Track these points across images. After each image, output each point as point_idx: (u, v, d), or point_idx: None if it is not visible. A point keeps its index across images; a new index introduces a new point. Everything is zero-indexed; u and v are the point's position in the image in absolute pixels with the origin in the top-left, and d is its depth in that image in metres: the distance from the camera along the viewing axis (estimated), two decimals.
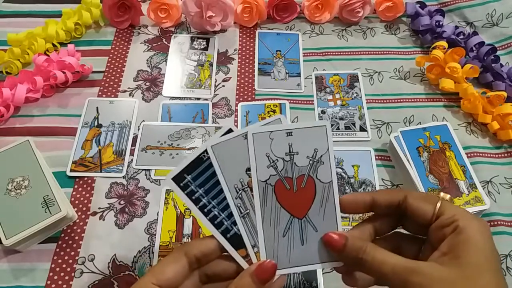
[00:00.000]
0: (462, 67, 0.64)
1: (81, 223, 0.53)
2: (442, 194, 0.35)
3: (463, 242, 0.30)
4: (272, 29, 0.74)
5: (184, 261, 0.33)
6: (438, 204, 0.33)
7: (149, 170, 0.57)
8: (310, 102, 0.65)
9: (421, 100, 0.65)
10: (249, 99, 0.65)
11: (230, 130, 0.35)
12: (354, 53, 0.71)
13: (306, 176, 0.35)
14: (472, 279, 0.29)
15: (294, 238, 0.35)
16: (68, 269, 0.50)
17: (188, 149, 0.59)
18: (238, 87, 0.66)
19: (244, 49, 0.71)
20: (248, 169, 0.35)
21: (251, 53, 0.71)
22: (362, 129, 0.62)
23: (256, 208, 0.35)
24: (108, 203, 0.55)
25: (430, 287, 0.29)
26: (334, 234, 0.34)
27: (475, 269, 0.29)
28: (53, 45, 0.69)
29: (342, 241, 0.33)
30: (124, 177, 0.57)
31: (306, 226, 0.35)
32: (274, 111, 0.63)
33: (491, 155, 0.59)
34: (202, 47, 0.71)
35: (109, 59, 0.69)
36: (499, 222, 0.53)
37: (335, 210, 0.35)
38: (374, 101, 0.65)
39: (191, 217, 0.54)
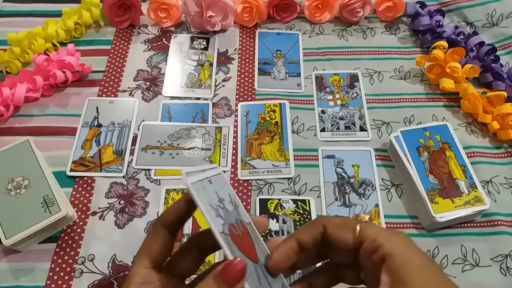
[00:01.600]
0: (462, 67, 0.64)
1: (81, 223, 0.53)
2: (360, 215, 0.33)
3: (401, 267, 0.29)
4: (272, 29, 0.74)
5: (164, 232, 0.33)
6: (358, 228, 0.31)
7: (149, 170, 0.57)
8: (310, 102, 0.65)
9: (421, 100, 0.65)
10: (249, 99, 0.65)
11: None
12: (354, 53, 0.71)
13: (239, 220, 0.32)
14: None
15: (264, 284, 0.31)
16: (68, 269, 0.50)
17: (188, 149, 0.59)
18: (238, 87, 0.66)
19: (244, 49, 0.71)
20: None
21: (251, 53, 0.71)
22: (362, 129, 0.62)
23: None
24: (108, 203, 0.55)
25: None
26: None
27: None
28: (53, 44, 0.69)
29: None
30: (124, 177, 0.57)
31: (263, 269, 0.32)
32: (274, 111, 0.63)
33: (491, 155, 0.59)
34: (202, 47, 0.71)
35: (109, 59, 0.69)
36: (499, 222, 0.53)
37: (266, 249, 0.34)
38: (374, 101, 0.65)
39: (191, 217, 0.54)
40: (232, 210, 0.32)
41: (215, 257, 0.51)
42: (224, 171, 0.58)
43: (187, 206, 0.33)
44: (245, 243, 0.31)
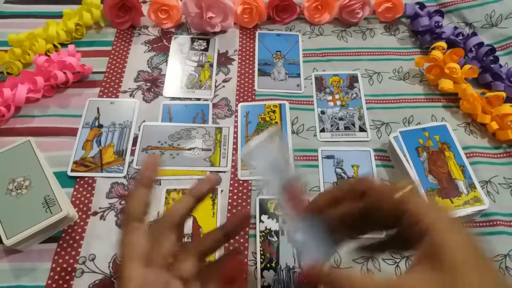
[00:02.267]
0: (461, 68, 0.64)
1: (82, 223, 0.53)
2: (403, 183, 0.33)
3: (438, 245, 0.28)
4: (272, 30, 0.75)
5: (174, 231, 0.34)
6: (398, 198, 0.32)
7: None
8: (310, 102, 0.65)
9: (420, 100, 0.66)
10: (249, 99, 0.65)
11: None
12: (354, 53, 0.71)
13: (292, 179, 0.39)
14: (455, 280, 0.27)
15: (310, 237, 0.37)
16: (69, 269, 0.50)
17: (189, 149, 0.59)
18: (238, 88, 0.67)
19: (244, 50, 0.72)
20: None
21: (251, 53, 0.71)
22: (362, 129, 0.62)
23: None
24: (109, 203, 0.55)
25: None
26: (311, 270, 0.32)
27: (456, 269, 0.27)
28: (54, 45, 0.69)
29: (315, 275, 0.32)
30: (124, 177, 0.57)
31: (312, 222, 0.37)
32: (274, 112, 0.64)
33: (490, 155, 0.60)
34: (203, 48, 0.72)
35: (110, 60, 0.69)
36: (498, 222, 0.53)
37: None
38: (373, 101, 0.65)
39: (191, 217, 0.54)
40: (286, 169, 0.39)
41: (215, 258, 0.51)
42: (224, 172, 0.58)
43: (194, 200, 0.34)
44: (296, 198, 0.38)
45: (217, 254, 0.51)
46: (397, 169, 0.58)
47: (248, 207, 0.55)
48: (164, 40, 0.72)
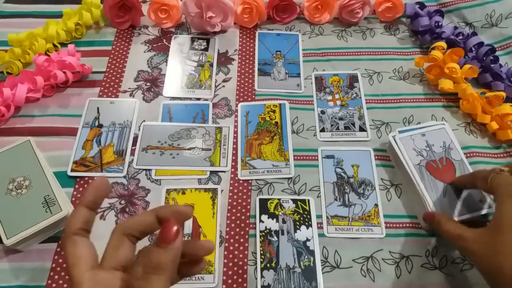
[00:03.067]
0: (461, 68, 0.64)
1: None
2: (501, 167, 0.45)
3: (497, 208, 0.40)
4: (272, 29, 0.75)
5: (127, 241, 0.34)
6: (489, 180, 0.44)
7: (149, 170, 0.58)
8: (310, 102, 0.65)
9: (420, 100, 0.66)
10: (249, 99, 0.65)
11: None
12: (354, 53, 0.71)
13: (445, 158, 0.55)
14: (493, 236, 0.38)
15: (452, 199, 0.52)
16: None
17: (189, 149, 0.59)
18: (238, 88, 0.67)
19: (244, 49, 0.72)
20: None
21: (251, 53, 0.71)
22: (362, 129, 0.62)
23: (418, 180, 0.53)
24: (109, 203, 0.55)
25: (470, 247, 0.40)
26: (429, 213, 0.50)
27: (497, 228, 0.39)
28: (54, 45, 0.69)
29: (432, 216, 0.49)
30: (124, 177, 0.57)
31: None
32: (274, 111, 0.64)
33: (490, 155, 0.60)
34: (203, 47, 0.72)
35: (110, 60, 0.69)
36: None
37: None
38: (373, 101, 0.65)
39: (191, 216, 0.54)
40: (441, 151, 0.55)
41: (215, 257, 0.51)
42: (224, 171, 0.58)
43: (86, 210, 0.34)
44: (443, 172, 0.54)
45: (217, 254, 0.51)
46: (397, 169, 0.58)
47: (248, 206, 0.55)
48: (164, 40, 0.72)
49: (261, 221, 0.54)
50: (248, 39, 0.73)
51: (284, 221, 0.54)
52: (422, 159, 0.55)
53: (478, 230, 0.41)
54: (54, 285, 0.49)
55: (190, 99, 0.65)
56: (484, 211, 0.52)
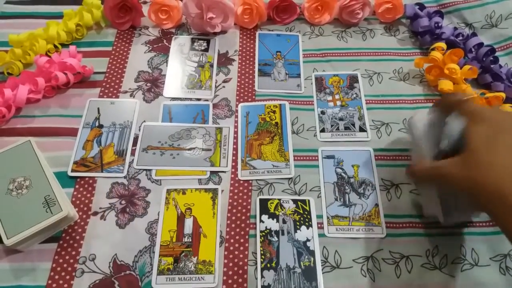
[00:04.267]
0: (461, 68, 0.64)
1: (82, 223, 0.53)
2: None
3: (467, 134, 0.43)
4: (272, 30, 0.75)
5: None
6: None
7: (150, 170, 0.58)
8: (310, 103, 0.66)
9: (420, 101, 0.66)
10: (249, 100, 0.66)
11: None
12: (354, 54, 0.71)
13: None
14: (467, 157, 0.42)
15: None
16: (69, 269, 0.50)
17: (189, 149, 0.59)
18: (238, 88, 0.67)
19: (244, 50, 0.72)
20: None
21: (251, 54, 0.71)
22: (362, 129, 0.62)
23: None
24: (109, 203, 0.55)
25: (448, 172, 0.43)
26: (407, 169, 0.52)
27: (470, 150, 0.42)
28: (54, 46, 0.69)
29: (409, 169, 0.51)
30: (125, 177, 0.57)
31: None
32: (274, 112, 0.64)
33: None
34: (203, 48, 0.72)
35: (110, 60, 0.69)
36: None
37: None
38: (373, 102, 0.66)
39: (192, 217, 0.54)
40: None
41: (215, 257, 0.51)
42: (224, 172, 0.58)
43: None
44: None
45: (217, 254, 0.51)
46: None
47: (249, 207, 0.55)
48: (165, 41, 0.72)
49: (261, 221, 0.54)
50: (248, 40, 0.73)
51: (284, 221, 0.54)
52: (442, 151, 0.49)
53: (453, 158, 0.43)
54: (54, 285, 0.49)
55: (191, 99, 0.65)
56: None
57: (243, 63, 0.70)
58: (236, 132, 0.62)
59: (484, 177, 0.40)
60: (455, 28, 0.71)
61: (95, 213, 0.54)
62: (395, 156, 0.60)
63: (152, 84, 0.67)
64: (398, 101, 0.66)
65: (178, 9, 0.73)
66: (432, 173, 0.46)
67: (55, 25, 0.69)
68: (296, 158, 0.59)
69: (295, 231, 0.53)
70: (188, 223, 0.54)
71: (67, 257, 0.51)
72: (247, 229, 0.53)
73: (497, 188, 0.39)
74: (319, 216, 0.55)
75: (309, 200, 0.56)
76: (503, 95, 0.62)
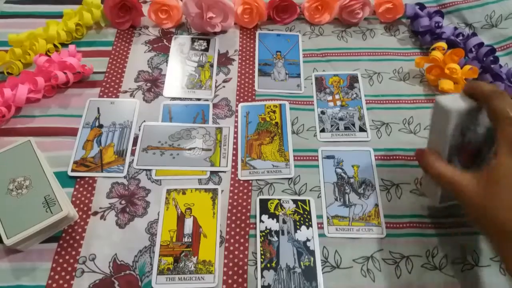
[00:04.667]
0: (461, 68, 0.64)
1: (82, 223, 0.53)
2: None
3: (498, 156, 0.39)
4: (272, 30, 0.75)
5: None
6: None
7: (150, 170, 0.58)
8: (310, 102, 0.66)
9: (420, 101, 0.66)
10: (249, 99, 0.65)
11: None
12: (354, 54, 0.71)
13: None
14: (490, 187, 0.38)
15: None
16: (69, 269, 0.50)
17: (189, 149, 0.59)
18: (238, 88, 0.67)
19: (244, 50, 0.72)
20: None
21: (251, 54, 0.71)
22: (362, 129, 0.62)
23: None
24: (109, 203, 0.55)
25: (460, 191, 0.41)
26: (419, 151, 0.49)
27: (493, 180, 0.38)
28: (54, 45, 0.69)
29: (422, 155, 0.47)
30: (125, 177, 0.57)
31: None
32: (274, 112, 0.64)
33: None
34: (203, 48, 0.72)
35: (110, 60, 0.69)
36: None
37: None
38: (373, 101, 0.66)
39: (192, 216, 0.54)
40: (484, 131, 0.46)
41: (215, 257, 0.51)
42: (224, 172, 0.58)
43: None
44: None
45: (217, 254, 0.51)
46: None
47: (249, 207, 0.55)
48: (165, 40, 0.72)
49: (261, 221, 0.54)
50: (248, 40, 0.73)
51: (284, 221, 0.54)
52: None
53: (474, 178, 0.40)
54: (54, 285, 0.49)
55: (191, 99, 0.65)
56: None
57: (243, 63, 0.70)
58: (236, 132, 0.62)
59: (497, 213, 0.38)
60: (456, 28, 0.71)
61: (95, 213, 0.54)
62: (395, 156, 0.60)
63: (152, 84, 0.67)
64: (398, 101, 0.66)
65: (178, 9, 0.73)
66: (443, 179, 0.43)
67: (55, 25, 0.69)
68: (296, 158, 0.59)
69: (295, 231, 0.53)
70: (188, 223, 0.54)
71: (67, 257, 0.51)
72: (247, 229, 0.53)
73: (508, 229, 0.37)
74: (319, 216, 0.55)
75: (309, 200, 0.56)
76: None
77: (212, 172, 0.58)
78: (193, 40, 0.72)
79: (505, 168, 0.38)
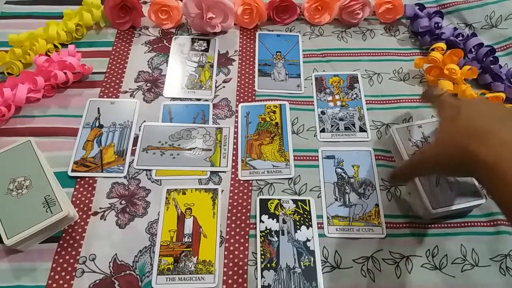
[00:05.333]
0: (461, 69, 0.64)
1: (82, 223, 0.53)
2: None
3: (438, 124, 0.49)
4: (272, 30, 0.75)
5: None
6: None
7: (150, 170, 0.58)
8: (310, 103, 0.66)
9: (420, 101, 0.66)
10: (249, 100, 0.66)
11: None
12: (354, 54, 0.71)
13: None
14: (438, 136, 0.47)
15: (444, 188, 0.53)
16: (69, 269, 0.50)
17: (189, 149, 0.59)
18: (238, 88, 0.67)
19: (244, 50, 0.72)
20: None
21: (251, 54, 0.71)
22: (362, 129, 0.62)
23: None
24: (109, 203, 0.55)
25: (427, 154, 0.47)
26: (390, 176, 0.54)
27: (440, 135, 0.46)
28: (54, 46, 0.69)
29: (394, 175, 0.52)
30: (125, 177, 0.57)
31: (450, 179, 0.53)
32: (274, 112, 0.64)
33: None
34: (203, 48, 0.72)
35: (110, 60, 0.69)
36: (499, 222, 0.53)
37: None
38: (373, 102, 0.66)
39: (192, 217, 0.54)
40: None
41: (215, 257, 0.51)
42: (225, 172, 0.58)
43: None
44: None
45: (217, 254, 0.51)
46: (397, 162, 0.59)
47: (249, 207, 0.55)
48: (165, 41, 0.72)
49: (261, 221, 0.54)
50: (248, 40, 0.73)
51: (284, 221, 0.54)
52: (416, 149, 0.56)
53: (429, 144, 0.52)
54: (54, 285, 0.49)
55: (191, 99, 0.65)
56: (476, 202, 0.52)
57: (243, 63, 0.70)
58: (236, 132, 0.62)
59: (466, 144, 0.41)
60: (455, 29, 0.71)
61: (95, 213, 0.54)
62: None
63: (152, 84, 0.67)
64: (398, 101, 0.66)
65: (178, 9, 0.73)
66: (416, 160, 0.49)
67: (55, 25, 0.69)
68: (296, 158, 0.59)
69: (295, 231, 0.53)
70: (188, 223, 0.54)
71: (67, 257, 0.51)
72: (247, 229, 0.53)
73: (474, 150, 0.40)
74: (319, 216, 0.55)
75: (309, 200, 0.56)
76: (503, 95, 0.62)
77: (212, 172, 0.58)
78: (193, 41, 0.73)
79: (445, 121, 0.46)
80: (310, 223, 0.54)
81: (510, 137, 0.39)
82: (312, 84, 0.68)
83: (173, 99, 0.65)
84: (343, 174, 0.58)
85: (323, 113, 0.64)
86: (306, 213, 0.55)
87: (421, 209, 0.54)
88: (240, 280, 0.50)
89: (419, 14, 0.72)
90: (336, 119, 0.63)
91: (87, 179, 0.57)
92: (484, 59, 0.66)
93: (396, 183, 0.57)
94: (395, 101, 0.66)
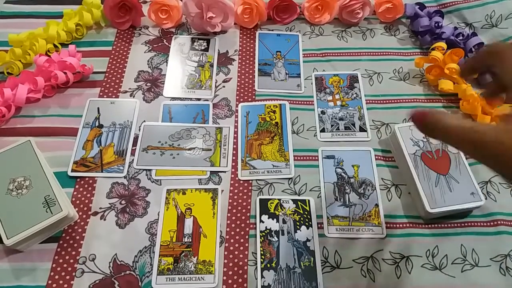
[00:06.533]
0: None
1: (82, 223, 0.53)
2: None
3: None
4: (272, 30, 0.75)
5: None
6: None
7: (150, 170, 0.58)
8: (310, 102, 0.66)
9: (420, 101, 0.66)
10: (249, 99, 0.65)
11: None
12: (354, 54, 0.71)
13: (441, 149, 0.57)
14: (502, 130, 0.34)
15: (443, 187, 0.53)
16: (69, 269, 0.50)
17: (189, 149, 0.59)
18: (238, 88, 0.67)
19: (244, 50, 0.72)
20: None
21: (251, 54, 0.71)
22: (362, 129, 0.62)
23: (411, 168, 0.55)
24: (109, 203, 0.55)
25: (482, 139, 0.34)
26: (418, 111, 0.39)
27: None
28: (54, 45, 0.69)
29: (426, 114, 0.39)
30: (125, 177, 0.57)
31: (451, 180, 0.54)
32: (274, 112, 0.64)
33: None
34: (203, 48, 0.72)
35: (110, 60, 0.69)
36: (500, 222, 0.53)
37: (466, 168, 0.55)
38: (373, 101, 0.65)
39: (192, 217, 0.54)
40: (438, 143, 0.57)
41: (215, 257, 0.51)
42: (224, 172, 0.58)
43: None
44: (438, 163, 0.55)
45: (217, 254, 0.51)
46: (398, 161, 0.59)
47: (249, 207, 0.55)
48: (165, 40, 0.72)
49: (261, 221, 0.54)
50: (248, 40, 0.73)
51: (284, 221, 0.54)
52: (418, 149, 0.57)
53: (491, 125, 0.42)
54: (54, 285, 0.49)
55: (191, 99, 0.65)
56: (475, 204, 0.52)
57: (243, 63, 0.70)
58: (236, 132, 0.62)
59: None
60: (455, 28, 0.71)
61: (95, 213, 0.54)
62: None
63: (152, 84, 0.67)
64: (398, 101, 0.66)
65: (178, 9, 0.73)
66: (461, 132, 0.36)
67: (55, 25, 0.69)
68: (296, 158, 0.59)
69: (295, 231, 0.53)
70: (188, 223, 0.54)
71: (67, 257, 0.51)
72: (247, 229, 0.53)
73: None
74: (319, 216, 0.55)
75: (309, 200, 0.56)
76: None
77: (212, 172, 0.58)
78: (193, 40, 0.72)
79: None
80: (310, 223, 0.54)
81: None
82: (312, 83, 0.68)
83: (173, 98, 0.65)
84: (343, 174, 0.58)
85: (323, 112, 0.64)
86: (306, 213, 0.55)
87: (421, 209, 0.54)
88: (240, 280, 0.50)
89: (419, 14, 0.72)
90: (336, 118, 0.63)
91: (87, 179, 0.57)
92: None
93: (424, 129, 0.41)
94: (395, 101, 0.65)
